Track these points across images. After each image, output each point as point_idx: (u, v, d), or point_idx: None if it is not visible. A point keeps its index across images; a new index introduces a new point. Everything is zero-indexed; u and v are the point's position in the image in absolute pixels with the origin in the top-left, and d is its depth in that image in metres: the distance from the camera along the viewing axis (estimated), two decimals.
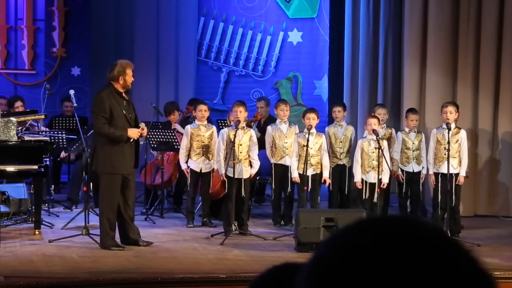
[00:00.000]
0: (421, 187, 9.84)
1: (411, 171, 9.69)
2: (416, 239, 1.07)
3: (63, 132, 10.86)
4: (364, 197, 9.25)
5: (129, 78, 8.20)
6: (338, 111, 10.10)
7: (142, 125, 8.31)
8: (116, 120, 8.09)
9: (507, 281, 6.86)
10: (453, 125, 9.10)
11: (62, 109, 12.28)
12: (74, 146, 10.53)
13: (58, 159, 11.42)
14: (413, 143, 9.69)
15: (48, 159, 8.91)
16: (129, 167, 8.25)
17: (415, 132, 9.76)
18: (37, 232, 8.81)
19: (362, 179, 9.28)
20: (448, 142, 8.90)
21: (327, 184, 9.56)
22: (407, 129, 9.81)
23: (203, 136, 9.70)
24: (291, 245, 8.42)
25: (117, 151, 8.12)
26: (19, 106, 11.04)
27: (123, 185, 8.23)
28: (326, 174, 9.48)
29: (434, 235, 1.09)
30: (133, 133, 8.11)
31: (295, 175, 9.36)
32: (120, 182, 8.18)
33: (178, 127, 10.87)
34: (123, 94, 8.25)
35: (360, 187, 9.26)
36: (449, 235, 1.17)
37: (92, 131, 10.41)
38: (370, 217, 1.18)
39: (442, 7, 10.88)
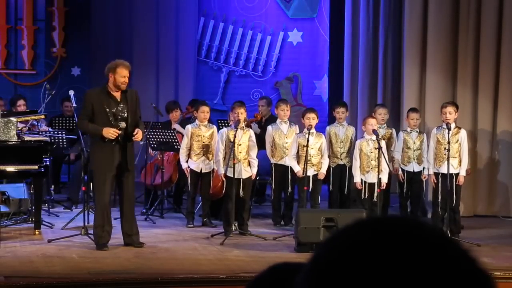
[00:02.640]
0: (424, 187, 9.84)
1: (412, 170, 9.69)
2: (415, 239, 1.08)
3: (63, 132, 10.87)
4: (364, 197, 9.25)
5: (119, 77, 8.09)
6: (341, 112, 10.07)
7: (123, 124, 8.16)
8: (97, 118, 8.07)
9: (507, 281, 6.86)
10: (453, 125, 9.11)
11: (62, 109, 12.30)
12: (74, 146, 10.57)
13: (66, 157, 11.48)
14: (415, 143, 9.69)
15: (48, 159, 8.91)
16: (111, 167, 8.10)
17: (416, 132, 9.76)
18: (37, 232, 8.81)
19: (362, 180, 9.28)
20: (448, 142, 8.90)
21: (320, 176, 9.45)
22: (408, 129, 9.80)
23: (203, 136, 9.71)
24: (291, 245, 8.42)
25: (99, 150, 8.11)
26: (21, 104, 11.06)
27: (119, 184, 8.24)
28: (322, 170, 9.44)
29: (433, 235, 1.10)
30: (107, 132, 7.97)
31: (297, 169, 9.32)
32: (108, 181, 8.11)
33: (177, 126, 10.87)
34: (116, 93, 8.18)
35: (360, 187, 9.25)
36: (449, 235, 1.17)
37: None
38: (369, 217, 1.18)
39: (442, 7, 10.88)
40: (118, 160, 8.12)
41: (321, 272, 1.08)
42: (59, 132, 10.86)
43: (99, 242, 8.11)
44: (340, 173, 9.91)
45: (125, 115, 8.19)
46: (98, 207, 8.26)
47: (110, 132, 7.98)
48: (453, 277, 1.05)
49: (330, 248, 1.10)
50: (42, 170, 8.72)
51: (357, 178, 9.28)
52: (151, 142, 10.40)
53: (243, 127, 9.30)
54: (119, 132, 8.03)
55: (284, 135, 9.83)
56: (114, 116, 8.09)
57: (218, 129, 10.04)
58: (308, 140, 9.19)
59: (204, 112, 9.76)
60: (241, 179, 9.20)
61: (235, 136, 9.09)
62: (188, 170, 9.69)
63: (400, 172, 9.72)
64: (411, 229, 1.09)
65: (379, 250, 1.05)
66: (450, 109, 9.15)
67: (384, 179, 9.14)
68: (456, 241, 1.12)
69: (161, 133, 10.35)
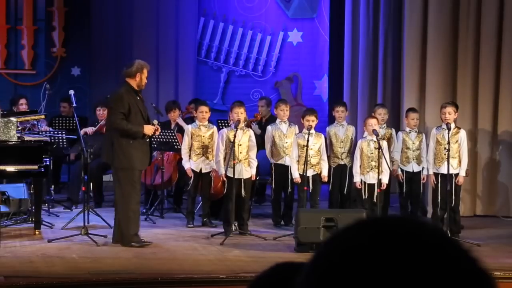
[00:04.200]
0: (424, 187, 9.84)
1: (411, 171, 9.68)
2: (416, 238, 1.08)
3: (63, 132, 10.87)
4: (364, 197, 9.24)
5: (145, 78, 8.44)
6: (341, 111, 10.07)
7: (155, 122, 8.62)
8: (134, 117, 8.32)
9: (507, 281, 6.86)
10: (452, 125, 9.11)
11: (60, 110, 12.34)
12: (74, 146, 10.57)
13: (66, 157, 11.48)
14: (414, 143, 9.68)
15: (48, 159, 8.90)
16: (145, 163, 8.50)
17: (415, 132, 9.75)
18: (37, 232, 8.81)
19: (362, 180, 9.28)
20: (448, 143, 8.90)
21: (323, 180, 9.46)
22: (407, 129, 9.80)
23: (203, 136, 9.70)
24: (291, 245, 8.42)
25: (134, 147, 8.32)
26: (23, 103, 11.06)
27: None
28: (324, 173, 9.45)
29: (434, 234, 1.10)
30: (148, 129, 8.34)
31: (296, 175, 9.35)
32: (140, 177, 8.52)
33: (180, 121, 10.89)
34: (139, 93, 8.51)
35: (359, 187, 9.25)
36: (449, 235, 1.17)
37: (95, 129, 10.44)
38: (370, 217, 1.18)
39: (442, 7, 10.88)
40: (146, 157, 8.47)
41: (321, 273, 1.08)
42: (59, 132, 10.86)
43: (130, 237, 8.29)
44: (340, 173, 9.91)
45: (147, 113, 8.59)
46: (134, 209, 8.40)
47: (150, 129, 8.36)
48: (454, 277, 1.05)
49: (330, 248, 1.10)
50: (42, 170, 8.71)
51: (356, 178, 9.28)
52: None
53: (243, 127, 9.30)
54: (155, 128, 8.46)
55: (284, 135, 9.83)
56: (144, 115, 8.45)
57: (218, 129, 10.04)
58: (308, 141, 9.18)
59: (203, 112, 9.75)
60: (242, 179, 9.20)
61: (235, 136, 9.08)
62: (191, 171, 9.66)
63: (400, 172, 9.71)
64: (412, 229, 1.09)
65: (380, 251, 1.05)
66: (449, 109, 9.15)
67: (385, 179, 9.14)
68: (457, 241, 1.12)
69: (161, 133, 10.33)
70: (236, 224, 9.10)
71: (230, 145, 9.09)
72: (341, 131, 10.02)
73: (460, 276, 1.06)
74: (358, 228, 1.11)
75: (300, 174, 9.30)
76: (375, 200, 9.11)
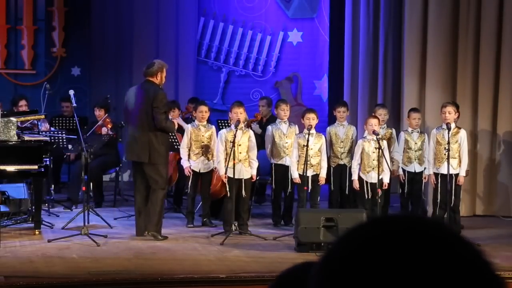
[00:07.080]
0: (423, 188, 9.83)
1: (413, 171, 9.67)
2: (427, 235, 1.08)
3: (63, 132, 10.86)
4: (366, 196, 9.24)
5: (164, 76, 8.95)
6: (342, 111, 10.05)
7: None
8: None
9: (507, 281, 6.85)
10: (452, 125, 9.10)
11: (61, 109, 12.33)
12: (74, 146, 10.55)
13: (65, 156, 11.43)
14: (416, 143, 9.67)
15: (48, 159, 8.90)
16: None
17: (418, 132, 9.74)
18: (37, 232, 8.81)
19: (363, 179, 9.28)
20: (448, 143, 8.90)
21: (320, 182, 9.47)
22: (410, 129, 9.79)
23: (202, 136, 9.70)
24: (291, 245, 8.42)
25: (167, 144, 8.88)
26: (23, 105, 11.06)
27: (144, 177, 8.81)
28: (322, 174, 9.46)
29: (444, 231, 1.10)
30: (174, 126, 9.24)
31: (295, 175, 9.35)
32: None
33: (179, 120, 10.88)
34: None
35: (357, 186, 9.24)
36: None
37: (91, 129, 10.43)
38: (381, 215, 1.19)
39: (442, 8, 10.88)
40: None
41: (332, 269, 1.08)
42: (59, 132, 10.85)
43: (158, 230, 8.76)
44: (340, 173, 9.90)
45: None
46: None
47: (175, 125, 9.24)
48: (466, 274, 1.06)
49: (342, 245, 1.11)
50: (42, 170, 8.71)
51: (354, 176, 9.28)
52: None
53: (242, 127, 9.29)
54: None
55: (284, 135, 9.82)
56: None
57: (218, 129, 10.03)
58: (308, 141, 9.18)
59: (202, 112, 9.75)
60: (243, 179, 9.20)
61: (235, 137, 9.08)
62: (190, 170, 9.66)
63: (401, 172, 9.70)
64: (423, 227, 1.10)
65: (390, 247, 1.06)
66: (449, 108, 9.16)
67: (386, 179, 9.14)
68: (468, 240, 1.13)
69: None
70: (236, 224, 9.10)
71: (230, 145, 9.09)
72: (342, 131, 10.02)
73: (471, 273, 1.07)
74: (368, 225, 1.11)
75: (300, 174, 9.30)
76: (376, 199, 9.10)
